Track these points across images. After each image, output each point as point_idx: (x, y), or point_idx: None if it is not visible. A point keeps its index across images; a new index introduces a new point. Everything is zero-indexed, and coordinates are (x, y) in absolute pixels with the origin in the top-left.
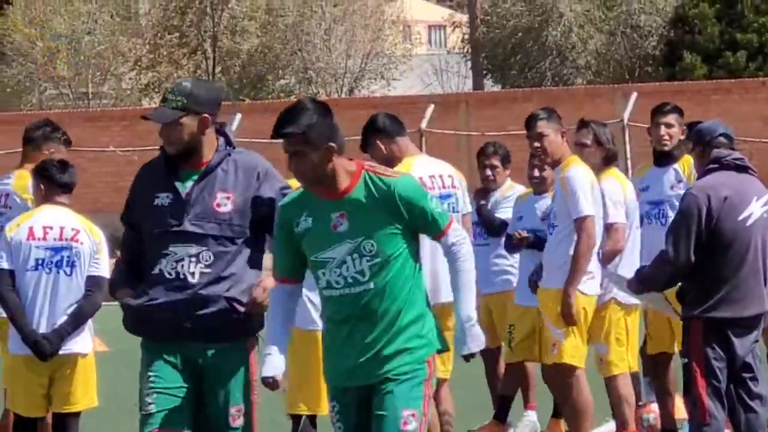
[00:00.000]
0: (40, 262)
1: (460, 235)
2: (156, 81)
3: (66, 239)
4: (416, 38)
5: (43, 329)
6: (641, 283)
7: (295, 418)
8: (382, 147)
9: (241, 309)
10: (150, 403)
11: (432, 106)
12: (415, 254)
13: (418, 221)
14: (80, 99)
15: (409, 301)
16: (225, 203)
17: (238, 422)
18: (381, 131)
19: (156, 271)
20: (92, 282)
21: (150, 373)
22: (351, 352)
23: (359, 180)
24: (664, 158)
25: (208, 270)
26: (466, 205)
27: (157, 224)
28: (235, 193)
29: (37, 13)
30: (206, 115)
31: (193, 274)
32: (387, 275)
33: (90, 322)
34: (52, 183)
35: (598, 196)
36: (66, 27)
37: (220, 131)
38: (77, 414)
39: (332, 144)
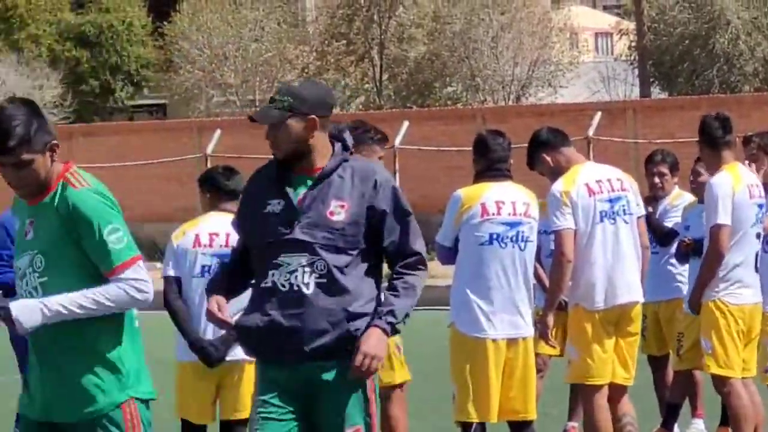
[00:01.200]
0: (206, 268)
1: (135, 277)
2: None
3: (231, 246)
4: (583, 46)
5: (209, 336)
6: None
7: (465, 426)
8: (549, 159)
9: (359, 325)
10: (256, 429)
11: (599, 114)
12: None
13: (87, 244)
14: (247, 106)
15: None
16: (339, 212)
17: None
18: (545, 144)
19: (269, 283)
20: None
21: (260, 398)
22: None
23: (56, 186)
24: None
25: (322, 280)
26: (639, 207)
27: (267, 233)
28: (351, 202)
29: (205, 20)
30: (313, 116)
31: (307, 284)
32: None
33: None
34: (218, 190)
35: (744, 203)
36: (233, 34)
37: (337, 136)
38: (245, 421)
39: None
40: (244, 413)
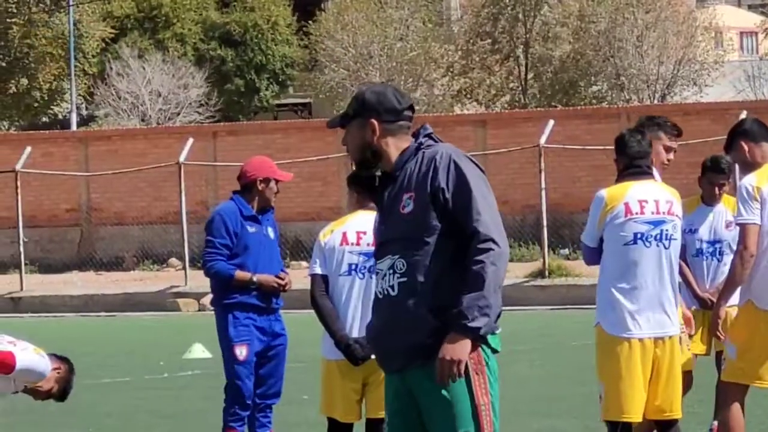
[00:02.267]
0: (353, 267)
1: None
2: (468, 87)
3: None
4: (728, 44)
5: (355, 334)
6: None
7: (612, 425)
8: (746, 148)
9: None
10: None
11: (744, 113)
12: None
13: None
14: None
15: None
16: (408, 203)
17: None
18: (746, 133)
19: (375, 293)
20: None
21: (386, 405)
22: None
23: None
24: None
25: (403, 279)
26: None
27: (375, 242)
28: (417, 189)
29: (350, 19)
30: (373, 120)
31: (392, 287)
32: None
33: None
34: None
35: None
36: (378, 33)
37: (418, 132)
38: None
39: None
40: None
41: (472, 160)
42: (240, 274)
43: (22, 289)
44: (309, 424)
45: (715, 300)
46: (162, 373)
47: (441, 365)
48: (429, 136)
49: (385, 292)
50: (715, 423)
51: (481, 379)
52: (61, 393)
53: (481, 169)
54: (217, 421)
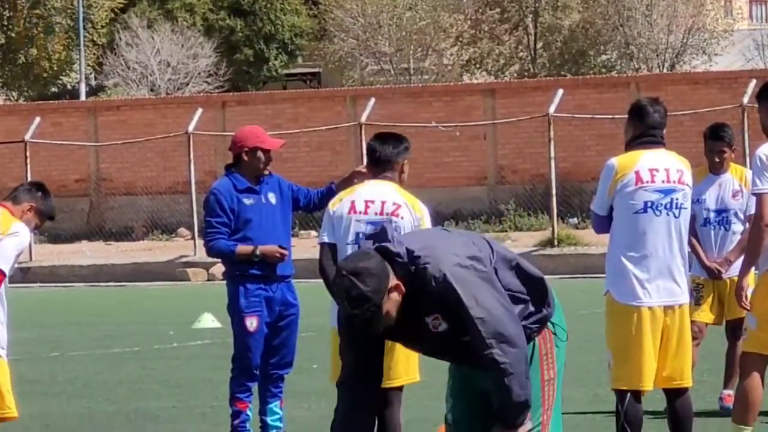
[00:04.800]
0: (360, 235)
1: None
2: (477, 56)
3: (387, 213)
4: (738, 13)
5: None
6: None
7: (621, 394)
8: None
9: None
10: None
11: (754, 82)
12: None
13: None
14: (401, 74)
15: None
16: (439, 324)
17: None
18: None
19: None
20: None
21: (450, 389)
22: None
23: None
24: None
25: None
26: None
27: None
28: (439, 311)
29: None
30: (393, 285)
31: None
32: None
33: None
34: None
35: None
36: (387, 2)
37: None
38: (399, 389)
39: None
40: (396, 381)
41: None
42: (241, 248)
43: (31, 259)
44: (319, 393)
45: (723, 270)
46: (171, 342)
47: None
48: (406, 265)
49: None
50: (725, 392)
51: (549, 356)
52: (45, 220)
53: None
54: (227, 391)
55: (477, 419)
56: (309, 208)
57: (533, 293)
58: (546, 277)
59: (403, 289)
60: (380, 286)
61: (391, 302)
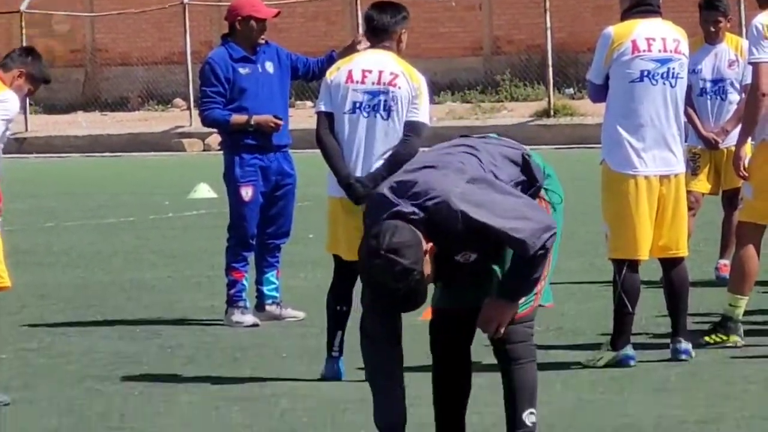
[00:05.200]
0: (357, 105)
1: None
2: None
3: (384, 83)
4: None
5: (358, 172)
6: None
7: (618, 264)
8: None
9: None
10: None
11: None
12: None
13: None
14: None
15: None
16: (469, 256)
17: None
18: None
19: None
20: (410, 127)
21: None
22: None
23: None
24: None
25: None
26: None
27: None
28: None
29: None
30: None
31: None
32: None
33: None
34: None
35: None
36: None
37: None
38: None
39: None
40: None
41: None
42: (236, 117)
43: (27, 130)
44: (315, 263)
45: (719, 140)
46: (167, 213)
47: (485, 317)
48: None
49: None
50: (721, 262)
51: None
52: (38, 85)
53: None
54: (222, 261)
55: (474, 285)
56: (308, 77)
57: (527, 174)
58: (542, 147)
59: (434, 248)
60: (418, 255)
61: (427, 264)
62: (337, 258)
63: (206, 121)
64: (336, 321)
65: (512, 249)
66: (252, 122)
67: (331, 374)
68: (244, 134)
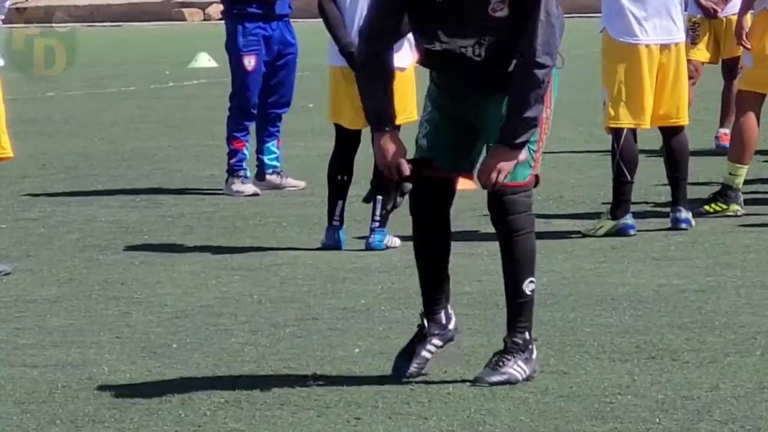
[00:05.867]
0: None
1: None
2: None
3: None
4: None
5: None
6: None
7: (616, 132)
8: None
9: None
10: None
11: None
12: None
13: None
14: None
15: None
16: (501, 7)
17: None
18: None
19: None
20: None
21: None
22: None
23: None
24: None
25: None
26: None
27: None
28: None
29: None
30: None
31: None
32: None
33: (411, 36)
34: None
35: None
36: None
37: None
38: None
39: None
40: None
41: None
42: None
43: (26, 0)
44: (315, 132)
45: (719, 9)
46: (167, 82)
47: (486, 168)
48: None
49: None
50: (721, 131)
51: (549, 92)
52: None
53: None
54: (223, 131)
55: (457, 148)
56: None
57: None
58: None
59: None
60: None
61: None
62: (338, 127)
63: None
64: (337, 190)
65: (522, 44)
66: None
67: (332, 243)
68: (246, 3)
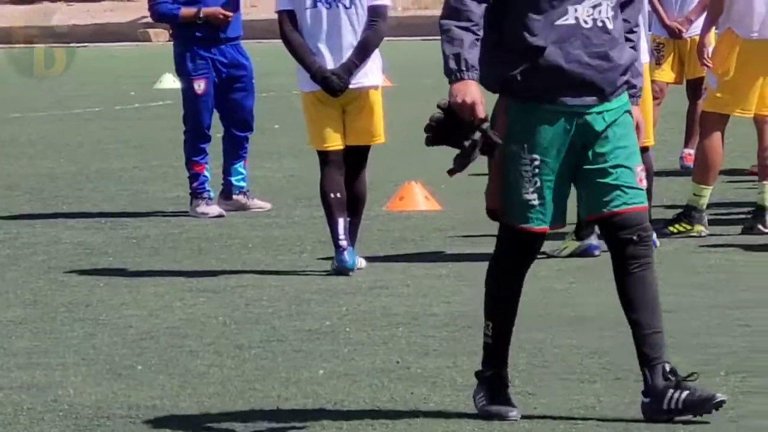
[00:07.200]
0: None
1: None
2: None
3: None
4: None
5: (330, 65)
6: None
7: None
8: None
9: None
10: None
11: None
12: None
13: None
14: None
15: None
16: None
17: None
18: None
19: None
20: (374, 12)
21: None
22: None
23: None
24: None
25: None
26: None
27: None
28: None
29: None
30: None
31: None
32: None
33: (379, 55)
34: None
35: None
36: None
37: None
38: (368, 148)
39: None
40: (364, 139)
41: None
42: (185, 11)
43: None
44: (281, 153)
45: (683, 29)
46: (133, 103)
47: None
48: None
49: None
50: (686, 151)
51: None
52: None
53: None
54: None
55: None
56: None
57: None
58: None
59: None
60: None
61: None
62: (322, 152)
63: (155, 17)
64: (334, 209)
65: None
66: (201, 15)
67: (342, 267)
68: (195, 27)
